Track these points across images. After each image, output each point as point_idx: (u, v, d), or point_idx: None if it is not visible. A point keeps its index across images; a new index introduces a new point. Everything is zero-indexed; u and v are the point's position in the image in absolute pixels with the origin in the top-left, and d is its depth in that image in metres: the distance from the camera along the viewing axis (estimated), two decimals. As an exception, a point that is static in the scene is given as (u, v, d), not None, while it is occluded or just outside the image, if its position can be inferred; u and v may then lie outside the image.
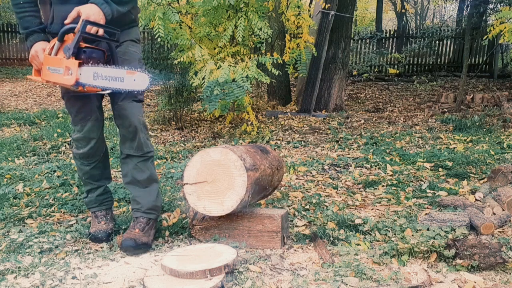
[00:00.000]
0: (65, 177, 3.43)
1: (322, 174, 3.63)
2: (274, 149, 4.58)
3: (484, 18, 10.70)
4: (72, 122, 2.30)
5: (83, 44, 1.93)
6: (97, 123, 2.29)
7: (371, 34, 12.60)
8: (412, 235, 2.27)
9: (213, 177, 2.21)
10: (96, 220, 2.41)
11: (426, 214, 2.53)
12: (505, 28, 5.64)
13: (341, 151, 4.46)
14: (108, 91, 2.03)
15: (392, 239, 2.28)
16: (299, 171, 3.68)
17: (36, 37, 2.10)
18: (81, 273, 1.96)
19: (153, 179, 2.33)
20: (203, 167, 2.23)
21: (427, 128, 5.53)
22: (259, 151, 2.49)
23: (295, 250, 2.23)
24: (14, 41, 13.24)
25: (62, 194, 3.04)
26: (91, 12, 1.93)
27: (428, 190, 3.13)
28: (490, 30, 5.86)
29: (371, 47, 12.51)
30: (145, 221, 2.27)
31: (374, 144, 4.69)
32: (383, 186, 3.27)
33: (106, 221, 2.41)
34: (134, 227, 2.25)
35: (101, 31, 1.95)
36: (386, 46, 12.46)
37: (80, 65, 1.89)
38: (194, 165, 2.25)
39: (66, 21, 1.94)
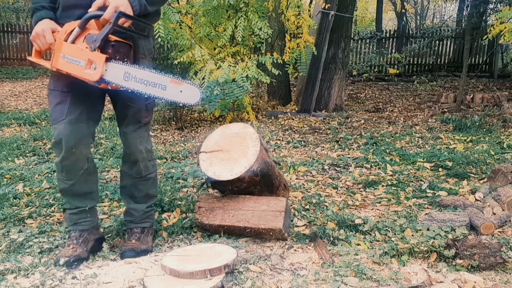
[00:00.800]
0: (65, 177, 3.42)
1: (322, 174, 3.63)
2: (274, 149, 4.59)
3: (484, 18, 10.70)
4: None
5: (112, 37, 1.76)
6: (73, 129, 1.94)
7: (371, 34, 12.61)
8: (412, 235, 2.27)
9: (229, 147, 2.32)
10: (68, 240, 2.11)
11: (426, 214, 2.53)
12: (505, 28, 5.65)
13: (341, 151, 4.46)
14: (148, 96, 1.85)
15: (392, 239, 2.28)
16: (299, 171, 3.68)
17: (44, 14, 1.87)
18: (81, 273, 1.96)
19: (151, 196, 2.27)
20: (221, 138, 2.36)
21: (427, 128, 5.53)
22: (272, 160, 2.55)
23: (295, 250, 2.23)
24: (14, 41, 13.24)
25: (62, 194, 3.04)
26: (120, 3, 1.76)
27: (428, 190, 3.13)
28: (490, 30, 5.87)
29: (371, 47, 12.52)
30: (139, 231, 2.22)
31: (374, 144, 4.69)
32: (383, 186, 3.27)
33: (76, 244, 2.07)
34: (130, 239, 2.19)
35: (127, 24, 1.78)
36: (386, 46, 12.46)
37: (106, 60, 1.73)
38: (214, 136, 2.38)
39: (90, 10, 1.78)
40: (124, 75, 1.75)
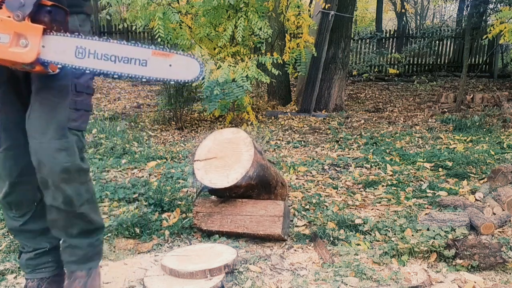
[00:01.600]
0: (65, 177, 3.42)
1: (322, 174, 3.63)
2: (274, 149, 4.59)
3: (484, 18, 10.70)
4: None
5: (47, 1, 1.30)
6: (11, 157, 1.49)
7: (371, 34, 12.60)
8: (412, 235, 2.27)
9: (223, 154, 2.30)
10: None
11: (426, 214, 2.53)
12: (505, 28, 5.64)
13: (341, 151, 4.46)
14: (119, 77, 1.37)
15: (392, 239, 2.28)
16: (299, 171, 3.68)
17: None
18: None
19: (96, 228, 1.59)
20: (214, 145, 2.33)
21: (427, 128, 5.53)
22: (267, 160, 2.54)
23: (295, 250, 2.23)
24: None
25: (62, 194, 3.03)
26: None
27: (428, 190, 3.12)
28: (490, 30, 5.87)
29: (371, 47, 12.51)
30: (85, 274, 1.58)
31: (374, 144, 4.69)
32: (383, 186, 3.27)
33: None
34: (71, 286, 1.56)
35: None
36: (386, 46, 12.46)
37: (43, 32, 1.28)
38: (206, 144, 2.36)
39: None
40: (77, 51, 1.30)
